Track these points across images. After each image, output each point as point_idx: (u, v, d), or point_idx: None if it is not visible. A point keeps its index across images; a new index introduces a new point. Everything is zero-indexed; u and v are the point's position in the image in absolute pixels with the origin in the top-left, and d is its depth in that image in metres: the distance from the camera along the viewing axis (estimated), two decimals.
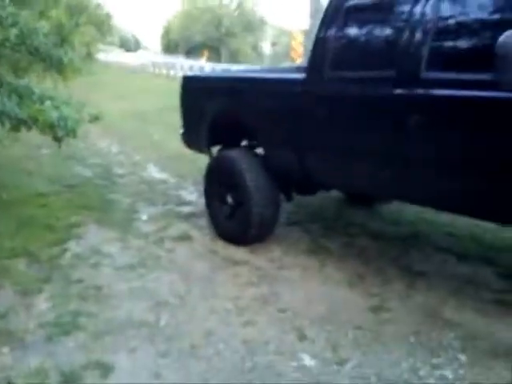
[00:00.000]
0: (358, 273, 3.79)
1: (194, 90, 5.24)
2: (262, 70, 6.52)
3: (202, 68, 22.64)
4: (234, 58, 42.52)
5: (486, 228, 4.39)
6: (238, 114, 4.46)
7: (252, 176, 4.19)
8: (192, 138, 5.18)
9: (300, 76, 3.99)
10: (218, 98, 4.72)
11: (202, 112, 4.85)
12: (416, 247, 4.23)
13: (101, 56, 30.67)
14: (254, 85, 4.56)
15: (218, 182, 4.55)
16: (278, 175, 4.28)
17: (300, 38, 13.28)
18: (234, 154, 4.47)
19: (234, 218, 4.34)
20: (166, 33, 52.85)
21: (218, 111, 4.66)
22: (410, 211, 4.95)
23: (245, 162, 4.30)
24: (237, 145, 4.80)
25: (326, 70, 3.70)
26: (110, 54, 37.70)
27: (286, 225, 4.79)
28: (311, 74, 3.84)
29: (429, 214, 4.77)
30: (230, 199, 4.41)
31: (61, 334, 2.89)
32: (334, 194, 5.30)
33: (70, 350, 2.75)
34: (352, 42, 3.76)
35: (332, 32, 3.72)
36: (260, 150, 4.50)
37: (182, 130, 5.34)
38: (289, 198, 4.53)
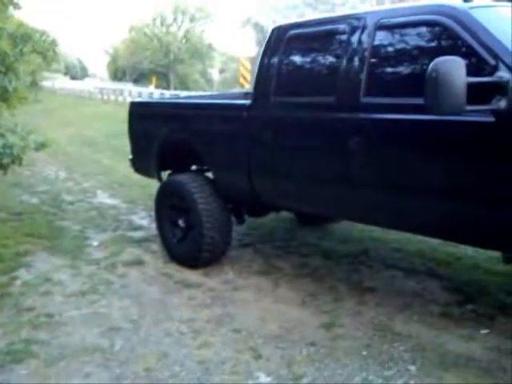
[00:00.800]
0: (310, 291, 3.86)
1: (142, 115, 5.27)
2: (209, 96, 6.64)
3: (151, 94, 22.60)
4: (182, 84, 42.66)
5: (432, 243, 4.58)
6: (187, 139, 4.51)
7: (203, 199, 4.22)
8: (141, 163, 5.21)
9: (245, 101, 4.11)
10: (167, 123, 4.77)
11: (150, 137, 4.88)
12: (365, 264, 4.36)
13: (46, 83, 30.21)
14: (201, 110, 4.63)
15: (170, 205, 4.55)
16: (228, 198, 4.34)
17: (247, 65, 13.53)
18: (184, 177, 4.51)
19: (186, 241, 4.35)
20: (113, 60, 52.56)
21: (166, 136, 4.71)
22: (358, 229, 5.10)
23: (195, 185, 4.33)
24: (186, 169, 4.84)
25: (271, 96, 3.83)
26: (55, 82, 37.11)
27: (239, 246, 4.84)
28: (256, 100, 3.95)
29: (377, 232, 4.92)
30: (181, 223, 4.43)
31: (13, 361, 2.83)
32: (285, 215, 5.39)
33: (23, 378, 2.68)
34: (295, 69, 3.89)
35: (275, 59, 3.85)
36: (210, 174, 4.56)
37: (130, 156, 5.35)
38: (240, 221, 4.60)
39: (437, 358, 2.94)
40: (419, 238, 4.47)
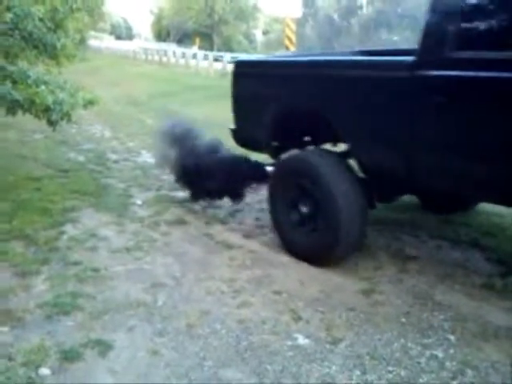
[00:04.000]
0: (351, 257, 3.86)
1: (251, 77, 4.46)
2: (326, 54, 5.47)
3: (194, 55, 22.50)
4: (226, 45, 42.30)
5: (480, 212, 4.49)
6: (314, 107, 3.80)
7: (339, 181, 3.57)
8: (248, 134, 4.48)
9: (406, 58, 3.30)
10: (285, 87, 4.03)
11: (262, 104, 4.18)
12: (409, 233, 4.31)
13: (92, 42, 30.50)
14: (339, 70, 3.74)
15: (292, 187, 3.87)
16: (366, 180, 3.66)
17: (293, 26, 13.26)
18: (313, 154, 3.87)
19: (315, 231, 3.71)
20: (158, 20, 52.41)
21: (284, 104, 4.03)
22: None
23: (329, 164, 3.68)
24: (303, 143, 4.30)
25: (447, 50, 3.01)
26: (101, 41, 37.44)
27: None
28: (425, 56, 3.13)
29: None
30: (305, 209, 3.80)
31: (60, 313, 2.94)
32: None
33: (69, 329, 2.79)
34: (488, 12, 2.97)
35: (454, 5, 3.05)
36: (337, 149, 4.14)
37: (232, 126, 4.63)
38: (372, 205, 3.83)
39: (477, 328, 2.91)
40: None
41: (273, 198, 4.08)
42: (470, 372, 2.53)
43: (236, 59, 4.96)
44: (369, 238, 4.16)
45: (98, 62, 23.63)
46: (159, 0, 51.84)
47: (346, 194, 3.53)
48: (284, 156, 4.17)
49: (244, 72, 4.56)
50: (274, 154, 4.38)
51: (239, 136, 4.61)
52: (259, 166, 4.61)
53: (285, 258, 3.84)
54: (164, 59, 24.76)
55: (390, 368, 2.54)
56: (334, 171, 3.63)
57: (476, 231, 4.30)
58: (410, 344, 2.76)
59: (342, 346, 2.72)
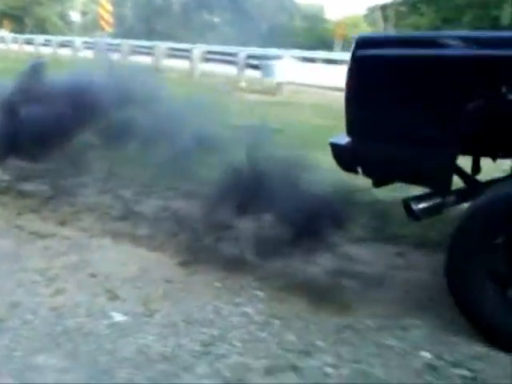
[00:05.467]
0: (170, 233, 3.95)
1: (406, 62, 2.94)
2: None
3: (2, 38, 20.78)
4: (40, 27, 39.55)
5: None
6: None
7: None
8: (388, 153, 2.92)
9: None
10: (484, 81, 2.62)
11: (440, 103, 2.76)
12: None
13: None
14: None
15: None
16: None
17: (108, 7, 12.86)
18: None
19: None
20: None
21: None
22: None
23: None
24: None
25: None
26: None
27: (98, 193, 4.77)
28: None
29: None
30: None
31: None
32: None
33: None
34: None
35: None
36: None
37: (342, 139, 3.16)
38: None
39: (283, 283, 3.17)
40: None
41: (460, 260, 2.64)
42: (276, 322, 2.76)
43: (359, 36, 3.31)
44: (185, 212, 4.30)
45: None
46: None
47: None
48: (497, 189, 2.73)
49: (380, 55, 3.01)
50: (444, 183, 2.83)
51: (361, 156, 3.09)
52: None
53: (102, 242, 3.81)
54: None
55: (204, 330, 2.67)
56: None
57: None
58: (222, 305, 2.92)
59: (158, 317, 2.80)
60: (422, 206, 2.86)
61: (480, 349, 2.56)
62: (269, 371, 2.35)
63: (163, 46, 16.24)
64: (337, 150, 3.23)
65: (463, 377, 2.35)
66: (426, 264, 3.44)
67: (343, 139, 3.15)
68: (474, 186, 3.11)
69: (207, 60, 12.92)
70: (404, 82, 2.93)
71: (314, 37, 35.13)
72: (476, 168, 3.37)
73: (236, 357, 2.45)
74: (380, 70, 2.99)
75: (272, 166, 3.74)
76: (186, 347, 2.52)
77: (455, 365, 2.43)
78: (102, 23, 12.63)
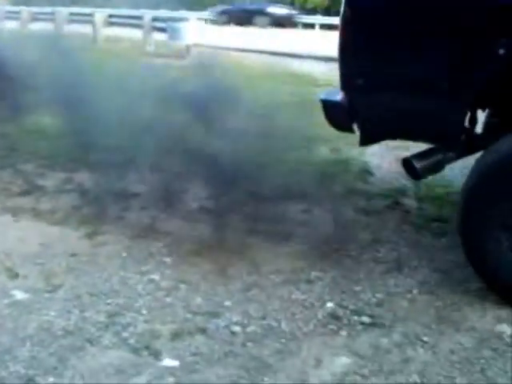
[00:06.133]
0: (73, 205, 3.82)
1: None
2: None
3: None
4: None
5: None
6: None
7: None
8: (391, 107, 2.65)
9: None
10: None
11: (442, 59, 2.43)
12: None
13: None
14: None
15: None
16: None
17: None
18: None
19: None
20: None
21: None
22: None
23: None
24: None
25: None
26: None
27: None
28: None
29: None
30: None
31: None
32: None
33: None
34: None
35: None
36: None
37: (339, 95, 2.84)
38: None
39: (192, 248, 3.17)
40: None
41: (474, 212, 2.51)
42: (183, 286, 2.76)
43: None
44: (91, 183, 4.18)
45: None
46: None
47: None
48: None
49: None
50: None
51: (358, 112, 2.77)
52: None
53: (2, 219, 3.63)
54: None
55: (109, 300, 2.63)
56: None
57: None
58: (129, 275, 2.88)
59: (62, 292, 2.72)
60: (423, 163, 2.67)
61: (380, 295, 2.69)
62: (176, 335, 2.36)
63: (64, 11, 15.44)
64: (329, 106, 2.92)
65: (363, 323, 2.47)
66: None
67: (336, 95, 2.86)
68: (474, 140, 2.90)
69: (111, 24, 12.42)
70: (409, 19, 2.49)
71: None
72: (473, 120, 2.95)
73: (142, 324, 2.44)
74: (379, 5, 2.59)
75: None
76: (91, 319, 2.47)
77: (357, 312, 2.55)
78: None
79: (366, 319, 2.48)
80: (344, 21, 2.69)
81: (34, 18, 16.35)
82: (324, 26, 18.88)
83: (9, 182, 4.28)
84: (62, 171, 4.51)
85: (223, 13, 23.07)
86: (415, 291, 2.72)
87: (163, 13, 9.79)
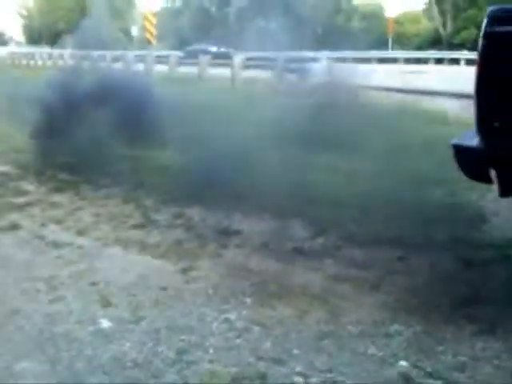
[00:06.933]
0: (177, 240, 4.01)
1: None
2: None
3: (61, 55, 21.71)
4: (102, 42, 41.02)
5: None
6: None
7: None
8: None
9: None
10: None
11: None
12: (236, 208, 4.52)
13: None
14: None
15: None
16: None
17: (153, 20, 13.23)
18: None
19: None
20: (29, 22, 49.90)
21: None
22: None
23: None
24: None
25: None
26: None
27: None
28: None
29: None
30: None
31: None
32: None
33: None
34: None
35: None
36: None
37: (474, 139, 2.63)
38: None
39: (276, 289, 3.15)
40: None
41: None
42: (256, 329, 2.75)
43: (490, 9, 2.62)
44: (197, 219, 4.37)
45: None
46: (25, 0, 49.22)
47: None
48: None
49: None
50: None
51: (496, 158, 2.53)
52: None
53: (114, 250, 3.92)
54: (32, 62, 23.85)
55: (183, 336, 2.70)
56: None
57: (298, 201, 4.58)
58: (208, 312, 2.94)
59: (143, 324, 2.85)
60: None
61: (463, 358, 2.44)
62: (235, 379, 2.34)
63: (206, 56, 16.54)
64: (462, 152, 2.67)
65: None
66: None
67: (470, 139, 2.64)
68: None
69: (248, 67, 13.03)
70: None
71: (372, 36, 34.61)
72: None
73: (206, 364, 2.46)
74: None
75: None
76: (161, 354, 2.55)
77: (431, 375, 2.33)
78: (148, 36, 12.99)
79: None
80: (481, 53, 2.50)
81: (180, 63, 17.75)
82: (470, 62, 18.06)
83: (127, 216, 4.62)
84: (177, 206, 4.77)
85: None
86: (504, 356, 2.43)
87: (296, 54, 10.08)
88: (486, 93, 2.49)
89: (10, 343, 2.71)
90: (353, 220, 4.02)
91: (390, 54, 24.26)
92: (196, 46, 19.41)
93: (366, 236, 3.72)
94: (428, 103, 8.94)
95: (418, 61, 22.00)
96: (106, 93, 6.84)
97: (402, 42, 33.54)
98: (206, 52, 18.24)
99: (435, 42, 25.18)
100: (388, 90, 10.56)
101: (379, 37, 31.39)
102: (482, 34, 2.51)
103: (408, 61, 22.81)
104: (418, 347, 2.53)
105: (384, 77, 12.30)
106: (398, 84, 10.83)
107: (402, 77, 13.37)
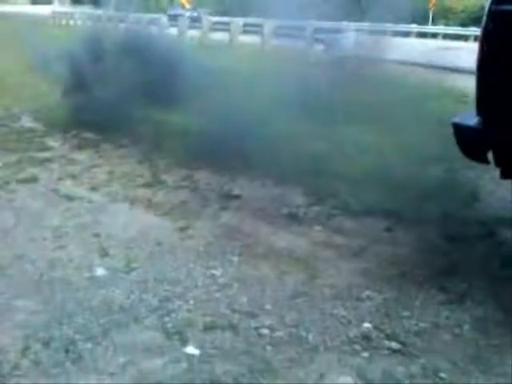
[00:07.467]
0: (182, 200, 4.21)
1: None
2: None
3: (99, 17, 21.91)
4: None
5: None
6: None
7: None
8: None
9: None
10: None
11: None
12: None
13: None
14: None
15: None
16: None
17: None
18: None
19: None
20: None
21: None
22: None
23: None
24: None
25: None
26: (14, 7, 35.72)
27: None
28: None
29: None
30: None
31: None
32: None
33: None
34: None
35: None
36: None
37: (474, 119, 2.63)
38: None
39: (263, 251, 3.32)
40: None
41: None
42: (236, 284, 2.93)
43: None
44: (204, 181, 4.55)
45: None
46: None
47: None
48: None
49: None
50: None
51: (495, 140, 2.52)
52: None
53: (120, 206, 4.14)
54: (71, 22, 24.23)
55: (168, 287, 2.90)
56: None
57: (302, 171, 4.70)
58: (196, 267, 3.13)
59: (134, 274, 3.06)
60: None
61: (425, 325, 2.58)
62: (208, 328, 2.53)
63: (239, 22, 16.51)
64: (461, 131, 2.62)
65: (390, 349, 2.40)
66: None
67: (470, 118, 2.61)
68: None
69: (277, 35, 12.98)
70: None
71: (415, 10, 33.69)
72: None
73: (184, 313, 2.66)
74: None
75: None
76: (145, 302, 2.76)
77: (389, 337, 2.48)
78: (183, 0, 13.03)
79: (395, 345, 2.41)
80: (484, 32, 2.47)
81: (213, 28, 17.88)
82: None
83: (139, 175, 4.84)
84: (187, 169, 4.95)
85: None
86: (466, 327, 2.55)
87: (326, 24, 9.99)
88: (488, 71, 2.47)
89: (12, 284, 2.96)
90: (351, 192, 4.13)
91: (429, 28, 23.71)
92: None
93: (359, 207, 3.84)
94: (451, 81, 8.83)
95: (459, 37, 21.43)
96: (136, 54, 7.05)
97: (447, 17, 32.63)
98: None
99: (480, 19, 24.42)
100: (414, 65, 10.46)
101: (423, 11, 30.57)
102: (485, 12, 2.50)
103: (447, 36, 22.30)
104: (385, 312, 2.68)
105: (416, 52, 12.12)
106: (424, 60, 10.69)
107: (434, 53, 13.13)
